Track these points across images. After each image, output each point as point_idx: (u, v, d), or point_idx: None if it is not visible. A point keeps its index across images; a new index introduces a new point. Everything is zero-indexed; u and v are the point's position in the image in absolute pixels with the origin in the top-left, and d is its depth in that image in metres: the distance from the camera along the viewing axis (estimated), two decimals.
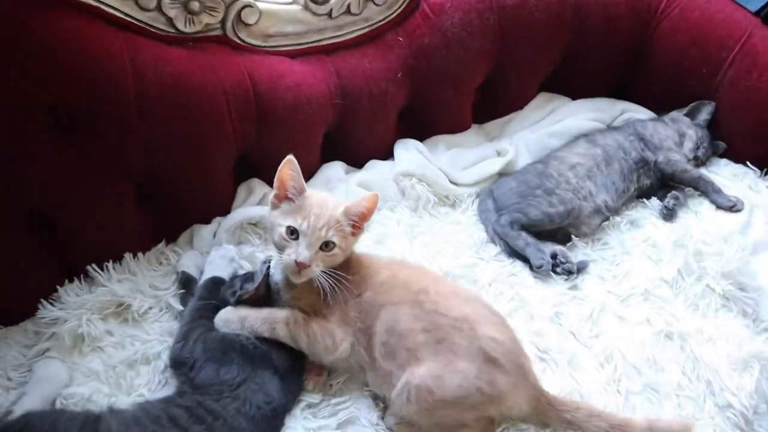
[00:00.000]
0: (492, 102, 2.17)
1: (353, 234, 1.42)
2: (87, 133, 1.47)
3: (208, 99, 1.59)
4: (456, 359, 1.28)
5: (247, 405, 1.29)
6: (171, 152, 1.60)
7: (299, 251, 1.33)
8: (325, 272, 1.34)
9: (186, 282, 1.62)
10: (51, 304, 1.56)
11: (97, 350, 1.50)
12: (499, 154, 2.11)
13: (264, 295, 1.51)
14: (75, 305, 1.55)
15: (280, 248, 1.38)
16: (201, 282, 1.56)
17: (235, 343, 1.38)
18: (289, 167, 1.37)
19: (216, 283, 1.54)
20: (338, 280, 1.35)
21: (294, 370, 1.42)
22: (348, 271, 1.40)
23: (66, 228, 1.57)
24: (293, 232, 1.36)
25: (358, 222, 1.40)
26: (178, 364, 1.39)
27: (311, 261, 1.33)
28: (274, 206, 1.43)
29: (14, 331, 1.56)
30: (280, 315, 1.42)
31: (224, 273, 1.58)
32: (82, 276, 1.62)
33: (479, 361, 1.28)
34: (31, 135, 1.40)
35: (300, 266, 1.33)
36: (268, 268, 1.47)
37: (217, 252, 1.64)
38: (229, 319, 1.45)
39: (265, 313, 1.43)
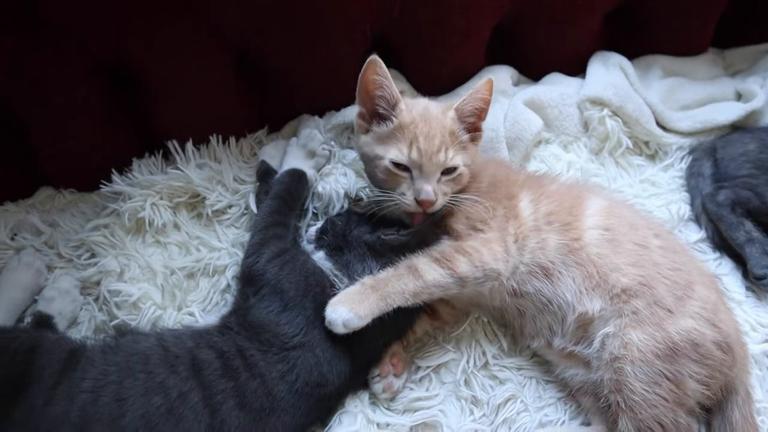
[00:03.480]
0: (747, 20, 1.84)
1: (473, 140, 1.25)
2: None
3: None
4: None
5: (294, 375, 1.09)
6: (274, 18, 1.37)
7: (418, 187, 1.15)
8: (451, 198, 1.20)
9: (264, 174, 1.43)
10: (127, 176, 1.46)
11: (160, 246, 1.42)
12: (740, 97, 1.79)
13: (418, 241, 1.22)
14: (145, 184, 1.44)
15: (389, 187, 1.19)
16: (277, 176, 1.38)
17: (321, 287, 1.15)
18: (374, 71, 1.15)
19: (295, 177, 1.36)
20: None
21: (369, 363, 1.22)
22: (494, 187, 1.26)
23: (149, 89, 1.44)
24: (399, 165, 1.17)
25: (476, 122, 1.24)
26: (248, 280, 1.20)
27: (437, 195, 1.16)
28: (363, 129, 1.23)
29: (85, 198, 1.52)
30: (419, 256, 1.16)
31: (306, 166, 1.40)
32: (161, 153, 1.52)
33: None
34: None
35: (425, 206, 1.16)
36: None
37: (299, 140, 1.45)
38: (355, 296, 1.10)
39: (402, 267, 1.16)
